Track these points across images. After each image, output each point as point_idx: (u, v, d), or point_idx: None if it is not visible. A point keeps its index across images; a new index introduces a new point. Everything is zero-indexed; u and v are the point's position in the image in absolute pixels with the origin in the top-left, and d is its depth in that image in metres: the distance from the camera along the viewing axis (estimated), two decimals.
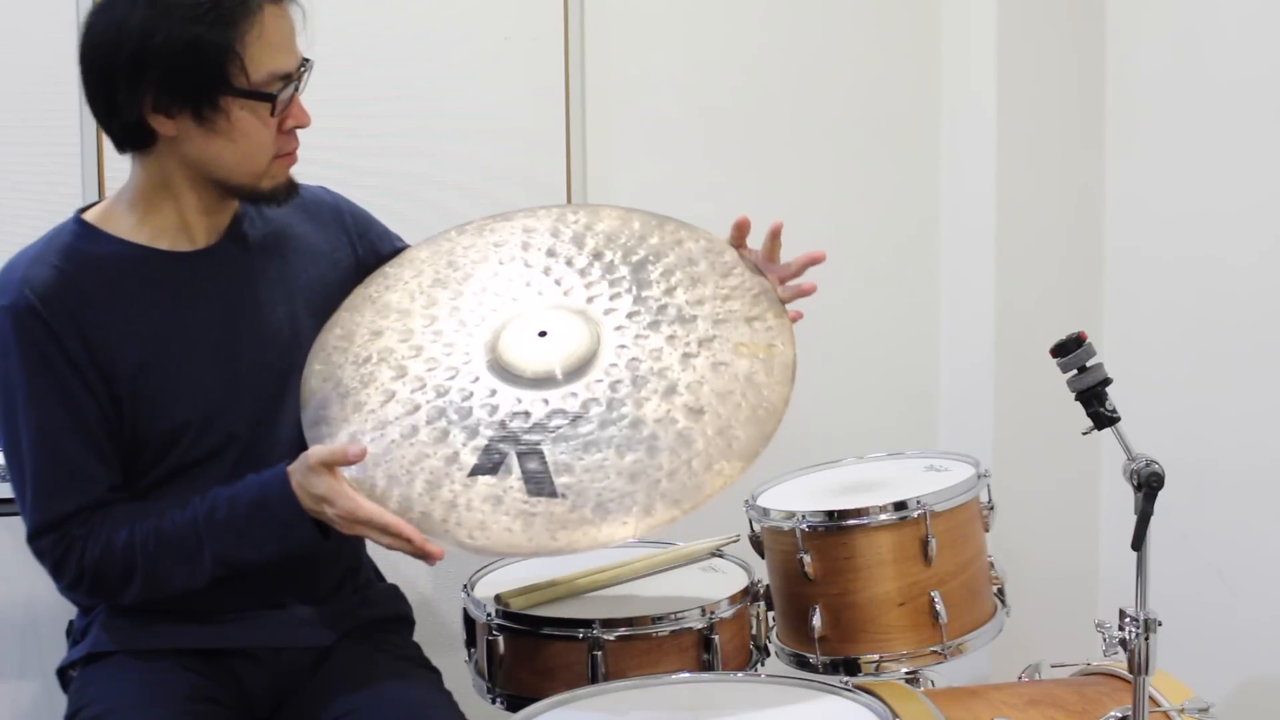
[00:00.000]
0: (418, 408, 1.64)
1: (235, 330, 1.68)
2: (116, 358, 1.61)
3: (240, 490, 1.60)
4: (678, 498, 1.53)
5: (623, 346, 1.67)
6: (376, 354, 1.70)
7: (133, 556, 1.59)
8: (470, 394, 1.64)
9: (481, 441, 1.59)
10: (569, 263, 1.77)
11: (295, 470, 1.56)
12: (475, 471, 1.57)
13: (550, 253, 1.79)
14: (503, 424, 1.60)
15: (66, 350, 1.58)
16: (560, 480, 1.55)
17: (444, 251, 1.83)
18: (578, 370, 1.65)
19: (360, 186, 2.09)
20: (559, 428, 1.59)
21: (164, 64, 1.54)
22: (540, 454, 1.58)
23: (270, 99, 1.58)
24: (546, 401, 1.62)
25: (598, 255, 1.78)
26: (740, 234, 1.78)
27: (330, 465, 1.54)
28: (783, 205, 2.58)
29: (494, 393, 1.64)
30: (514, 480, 1.56)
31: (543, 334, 1.68)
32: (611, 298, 1.73)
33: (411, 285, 1.79)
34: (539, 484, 1.55)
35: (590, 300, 1.73)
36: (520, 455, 1.58)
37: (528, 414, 1.61)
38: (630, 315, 1.71)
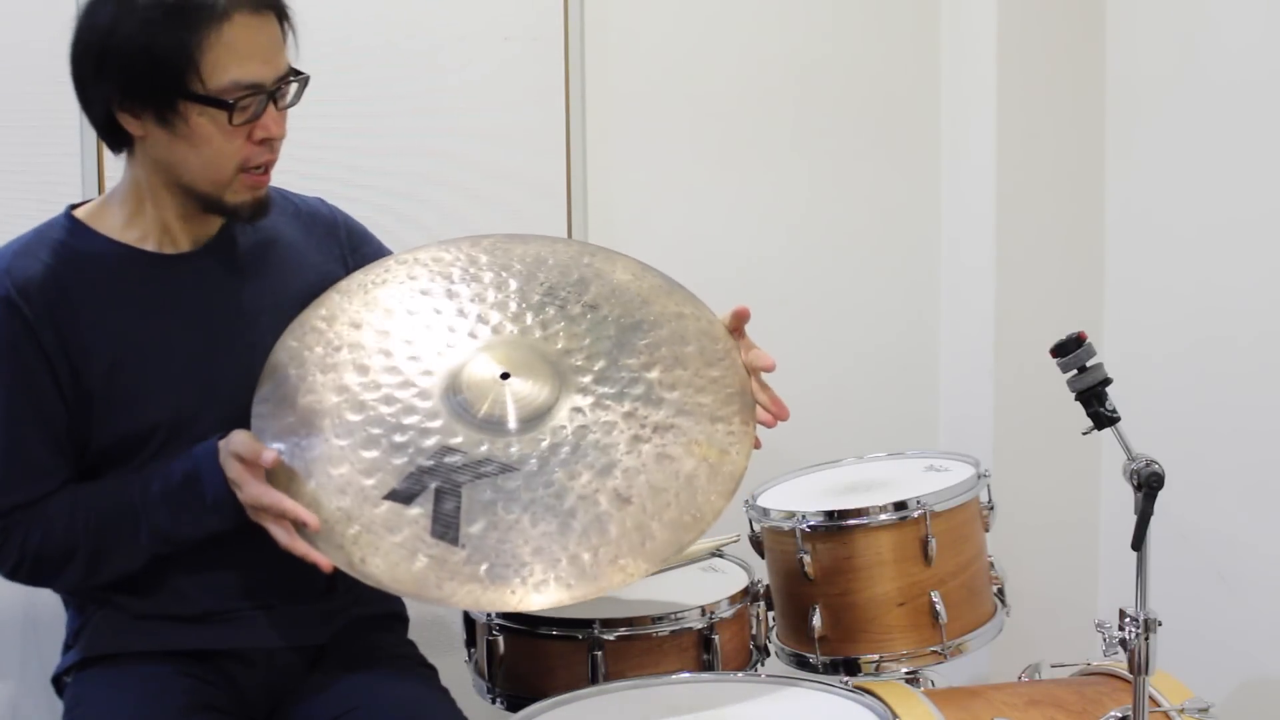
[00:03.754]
0: (362, 408, 1.63)
1: (214, 336, 1.68)
2: (90, 353, 1.61)
3: (174, 464, 1.60)
4: (571, 582, 1.51)
5: (578, 410, 1.63)
6: (348, 346, 1.69)
7: (74, 538, 1.60)
8: (416, 414, 1.62)
9: (409, 466, 1.57)
10: (563, 306, 1.74)
11: (221, 447, 1.57)
12: (391, 496, 1.55)
13: (550, 291, 1.76)
14: (435, 455, 1.58)
15: (40, 343, 1.59)
16: (466, 529, 1.53)
17: (446, 262, 1.80)
18: (526, 421, 1.62)
19: (360, 187, 2.10)
20: (487, 474, 1.57)
21: (122, 63, 1.53)
22: (459, 496, 1.55)
23: (227, 107, 1.54)
24: (484, 445, 1.59)
25: (594, 307, 1.74)
26: (738, 322, 1.71)
27: (243, 459, 1.54)
28: (783, 205, 2.60)
29: (438, 421, 1.62)
30: (422, 516, 1.54)
31: (505, 375, 1.65)
32: (588, 356, 1.69)
33: (406, 286, 1.77)
34: (445, 527, 1.53)
35: (566, 352, 1.69)
36: (439, 492, 1.55)
37: (463, 452, 1.59)
38: (599, 379, 1.67)
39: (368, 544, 1.52)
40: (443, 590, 1.50)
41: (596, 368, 1.68)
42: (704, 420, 1.64)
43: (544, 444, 1.60)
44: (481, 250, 1.81)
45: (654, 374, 1.67)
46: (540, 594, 1.49)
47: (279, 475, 1.56)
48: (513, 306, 1.74)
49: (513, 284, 1.76)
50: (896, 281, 2.70)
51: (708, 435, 1.62)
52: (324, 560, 1.51)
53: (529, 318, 1.73)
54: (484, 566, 1.50)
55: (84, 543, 1.60)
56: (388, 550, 1.52)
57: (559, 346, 1.70)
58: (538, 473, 1.57)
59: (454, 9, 2.32)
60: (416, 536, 1.52)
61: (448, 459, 1.58)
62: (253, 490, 1.53)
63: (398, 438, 1.60)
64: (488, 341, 1.70)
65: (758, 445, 1.65)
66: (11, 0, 2.07)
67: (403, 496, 1.55)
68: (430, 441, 1.60)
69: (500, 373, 1.65)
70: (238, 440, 1.55)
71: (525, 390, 1.64)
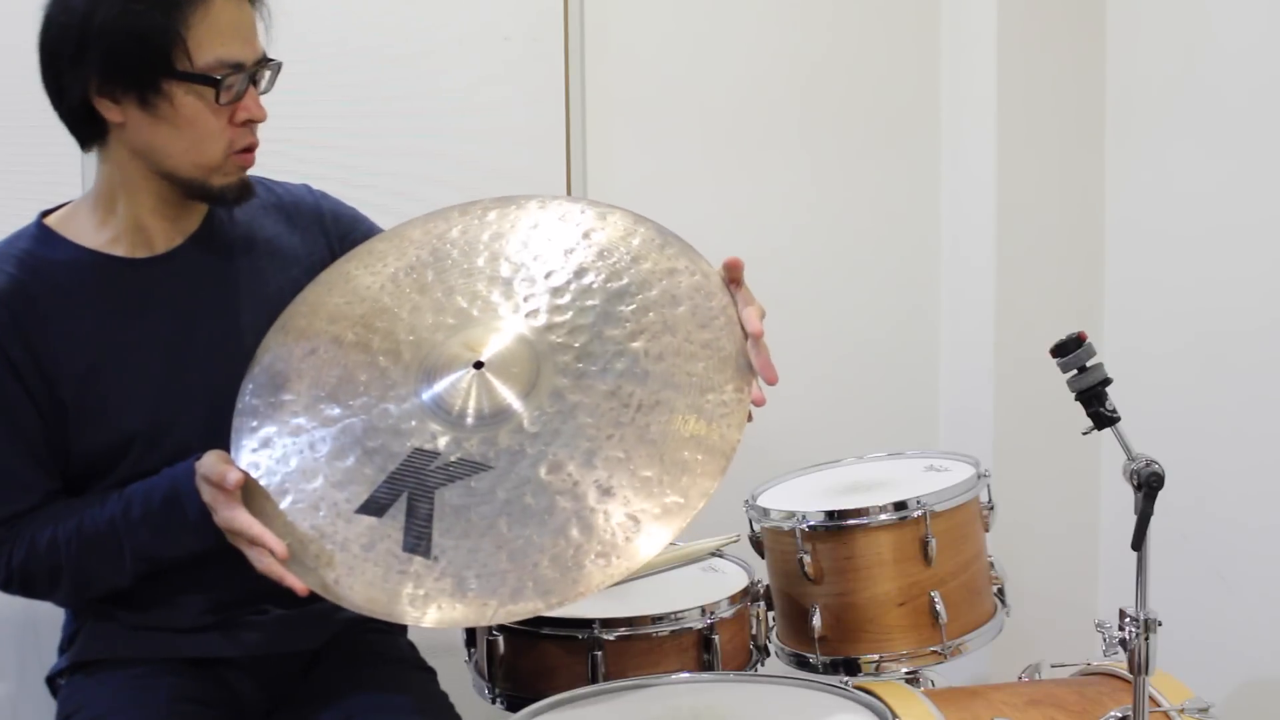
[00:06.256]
0: (334, 421, 1.58)
1: (192, 339, 1.65)
2: (62, 363, 1.59)
3: (154, 485, 1.58)
4: (549, 589, 1.42)
5: (558, 394, 1.54)
6: (323, 346, 1.64)
7: (56, 557, 1.59)
8: (390, 417, 1.57)
9: (380, 475, 1.52)
10: (548, 275, 1.66)
11: (196, 470, 1.55)
12: (362, 509, 1.51)
13: (536, 258, 1.68)
14: (407, 459, 1.53)
15: (9, 356, 1.58)
16: (440, 539, 1.47)
17: (435, 234, 1.75)
18: (501, 414, 1.55)
19: (358, 186, 2.09)
20: (459, 476, 1.50)
21: (105, 45, 1.52)
22: (431, 501, 1.49)
23: (214, 83, 1.54)
24: (457, 443, 1.53)
25: (580, 273, 1.65)
26: (732, 273, 1.60)
27: (211, 482, 1.52)
28: (783, 206, 2.60)
29: (412, 421, 1.56)
30: (394, 529, 1.49)
31: (479, 365, 1.58)
32: (570, 330, 1.59)
33: (389, 269, 1.71)
34: (416, 539, 1.47)
35: (548, 329, 1.60)
36: (412, 499, 1.50)
37: (436, 453, 1.53)
38: (581, 355, 1.57)
39: (342, 564, 1.48)
40: (415, 609, 1.45)
41: (578, 344, 1.58)
42: (693, 393, 1.53)
43: (520, 436, 1.53)
44: (468, 222, 1.75)
45: (639, 344, 1.57)
46: (516, 603, 1.43)
47: (253, 495, 1.53)
48: (496, 291, 1.67)
49: (492, 261, 1.70)
50: (897, 281, 2.70)
51: (696, 409, 1.52)
52: (299, 584, 1.47)
53: (510, 295, 1.66)
54: (458, 580, 1.45)
55: (66, 564, 1.59)
56: (361, 569, 1.47)
57: (540, 324, 1.61)
58: (513, 469, 1.50)
59: (454, 9, 2.32)
60: (389, 553, 1.47)
61: (418, 462, 1.53)
62: (224, 514, 1.50)
63: (370, 443, 1.55)
64: (465, 326, 1.63)
65: (754, 412, 1.53)
66: (11, 0, 2.07)
67: (375, 508, 1.51)
68: (403, 443, 1.55)
69: (474, 362, 1.58)
70: (207, 464, 1.53)
71: (501, 379, 1.57)
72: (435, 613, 1.44)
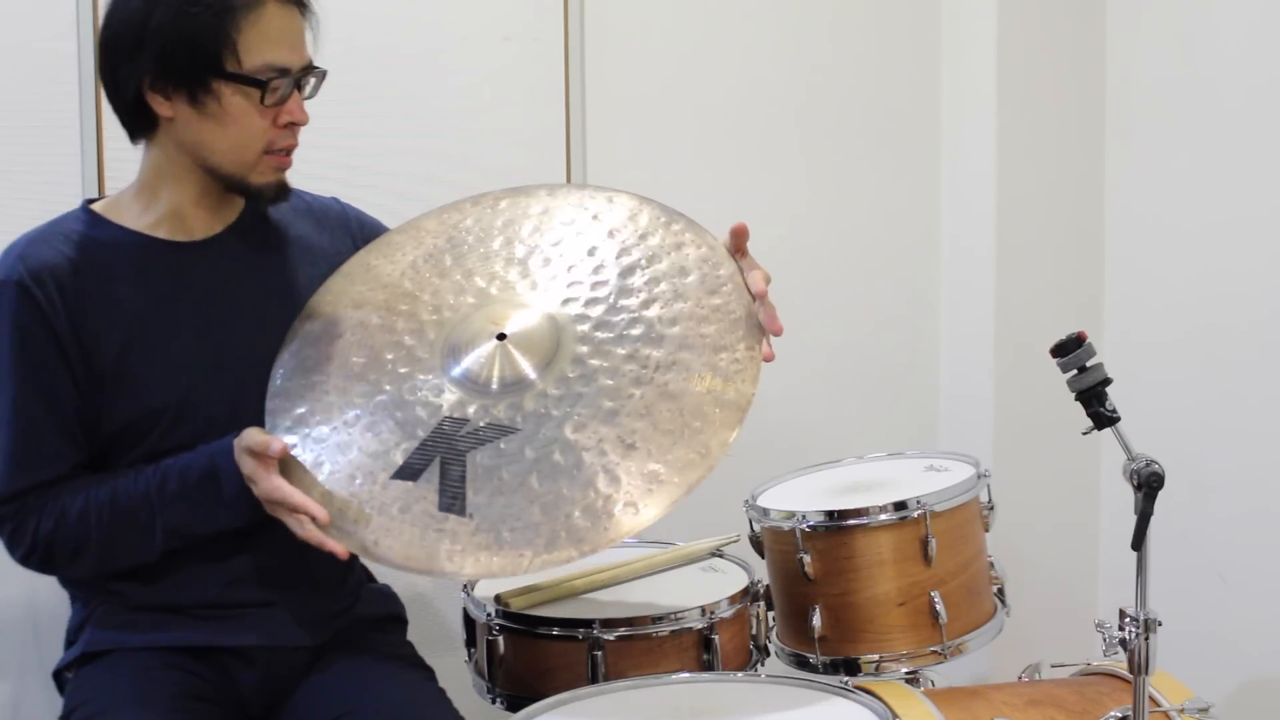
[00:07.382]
0: (368, 387, 1.66)
1: (225, 322, 1.71)
2: (101, 336, 1.64)
3: (191, 461, 1.63)
4: (581, 537, 1.50)
5: (578, 360, 1.63)
6: (350, 330, 1.72)
7: (85, 529, 1.62)
8: (420, 389, 1.64)
9: (412, 443, 1.59)
10: (561, 255, 1.75)
11: (235, 445, 1.60)
12: (398, 475, 1.57)
13: (549, 240, 1.77)
14: (437, 426, 1.60)
15: (52, 327, 1.62)
16: (474, 498, 1.54)
17: (450, 224, 1.83)
18: (525, 380, 1.63)
19: (360, 186, 2.10)
20: (489, 439, 1.58)
21: (159, 44, 1.59)
22: (463, 464, 1.57)
23: (260, 85, 1.61)
24: (484, 409, 1.61)
25: (592, 251, 1.74)
26: (739, 240, 1.70)
27: (254, 453, 1.57)
28: (783, 205, 2.60)
29: (441, 391, 1.64)
30: (429, 491, 1.56)
31: (502, 336, 1.66)
32: (586, 303, 1.69)
33: (408, 258, 1.79)
34: (451, 499, 1.54)
35: (565, 302, 1.69)
36: (444, 462, 1.57)
37: (464, 419, 1.60)
38: (598, 325, 1.66)
39: (380, 527, 1.55)
40: (453, 563, 1.51)
41: (595, 314, 1.67)
42: (707, 351, 1.62)
43: (545, 400, 1.60)
44: (480, 211, 1.83)
45: (653, 311, 1.67)
46: (551, 553, 1.50)
47: (291, 467, 1.60)
48: (513, 271, 1.75)
49: (507, 245, 1.78)
50: (897, 281, 2.70)
51: (711, 366, 1.61)
52: (339, 548, 1.54)
53: (527, 274, 1.74)
54: (491, 533, 1.51)
55: (95, 536, 1.63)
56: (400, 531, 1.54)
57: (557, 298, 1.70)
58: (540, 430, 1.58)
59: (454, 9, 2.32)
60: (426, 513, 1.54)
61: (448, 427, 1.60)
62: (266, 485, 1.56)
63: (401, 414, 1.62)
64: (485, 304, 1.71)
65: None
66: (11, 0, 2.07)
67: (409, 473, 1.57)
68: (432, 412, 1.62)
69: (497, 334, 1.66)
70: (249, 436, 1.58)
71: (523, 349, 1.65)
72: (473, 566, 1.51)
